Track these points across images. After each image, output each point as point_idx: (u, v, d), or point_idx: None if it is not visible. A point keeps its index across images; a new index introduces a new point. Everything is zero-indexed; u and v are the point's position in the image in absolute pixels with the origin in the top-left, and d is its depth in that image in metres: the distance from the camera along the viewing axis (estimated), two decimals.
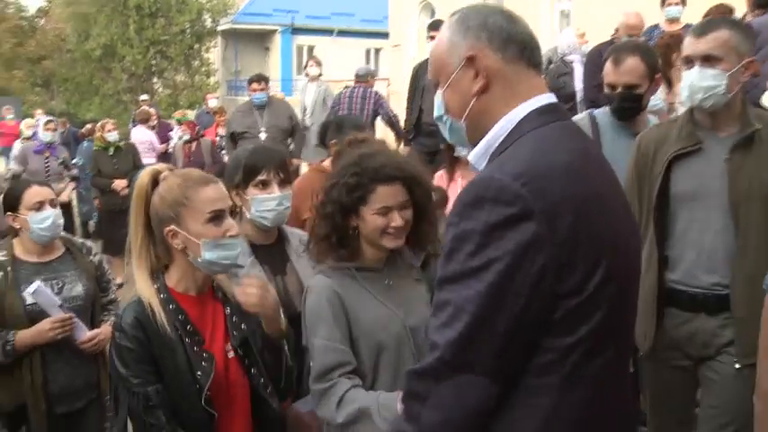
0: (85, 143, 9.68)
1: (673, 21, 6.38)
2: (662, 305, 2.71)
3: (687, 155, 2.64)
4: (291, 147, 8.10)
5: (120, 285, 7.02)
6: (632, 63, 3.11)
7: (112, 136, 8.05)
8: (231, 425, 2.16)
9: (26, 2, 31.69)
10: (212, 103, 12.48)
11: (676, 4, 6.41)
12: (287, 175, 2.56)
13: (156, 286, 2.13)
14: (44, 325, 3.02)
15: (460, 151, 3.26)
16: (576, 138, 1.57)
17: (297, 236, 2.70)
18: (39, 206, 3.14)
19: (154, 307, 2.07)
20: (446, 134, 1.67)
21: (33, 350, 3.06)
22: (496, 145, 1.52)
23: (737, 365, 2.59)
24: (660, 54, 4.42)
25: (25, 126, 11.23)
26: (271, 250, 2.60)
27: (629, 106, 3.16)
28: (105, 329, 3.18)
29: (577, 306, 1.36)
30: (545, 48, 8.92)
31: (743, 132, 2.59)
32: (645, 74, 3.11)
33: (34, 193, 3.17)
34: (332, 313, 2.23)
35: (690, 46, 2.62)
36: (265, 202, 2.49)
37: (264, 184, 2.50)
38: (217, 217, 2.09)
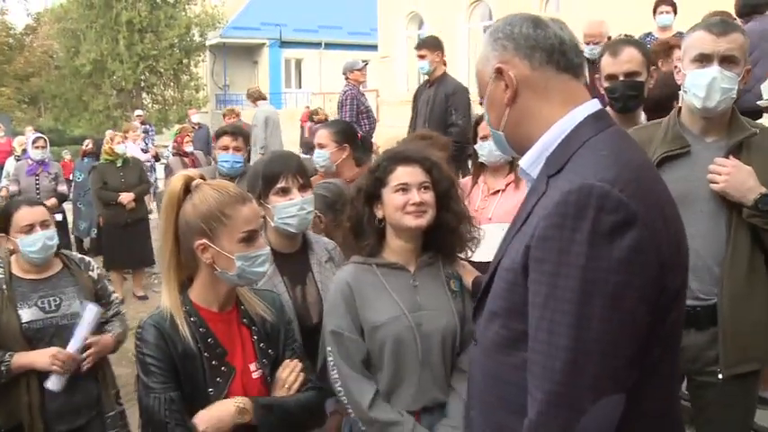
0: (86, 159, 9.62)
1: (665, 28, 6.53)
2: None
3: (674, 158, 2.59)
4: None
5: (121, 301, 6.99)
6: (630, 52, 3.18)
7: (121, 148, 7.92)
8: None
9: (14, 19, 31.65)
10: (195, 118, 12.50)
11: (667, 12, 6.57)
12: (306, 180, 2.60)
13: (180, 297, 2.13)
14: (45, 354, 2.97)
15: (485, 157, 3.39)
16: (634, 142, 1.59)
17: (322, 244, 2.73)
18: (29, 229, 3.12)
19: (176, 318, 2.07)
20: (496, 146, 1.72)
21: (30, 369, 3.00)
22: (552, 150, 1.51)
23: (720, 376, 2.53)
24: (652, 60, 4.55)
25: (18, 144, 11.23)
26: (293, 259, 2.63)
27: (633, 94, 3.18)
28: (104, 339, 3.18)
29: (665, 305, 1.37)
30: None
31: (734, 137, 2.54)
32: (643, 63, 3.18)
33: (23, 216, 3.15)
34: (344, 304, 2.37)
35: (709, 44, 2.50)
36: (287, 209, 2.53)
37: (285, 191, 2.54)
38: (250, 237, 2.09)
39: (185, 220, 2.08)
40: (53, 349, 2.99)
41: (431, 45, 6.51)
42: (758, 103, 4.24)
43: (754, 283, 2.50)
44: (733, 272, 2.50)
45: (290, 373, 2.21)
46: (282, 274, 2.58)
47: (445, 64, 6.68)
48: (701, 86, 2.48)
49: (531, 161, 1.56)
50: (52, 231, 3.20)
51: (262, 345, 2.21)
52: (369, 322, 2.38)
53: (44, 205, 3.39)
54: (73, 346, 3.02)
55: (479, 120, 3.76)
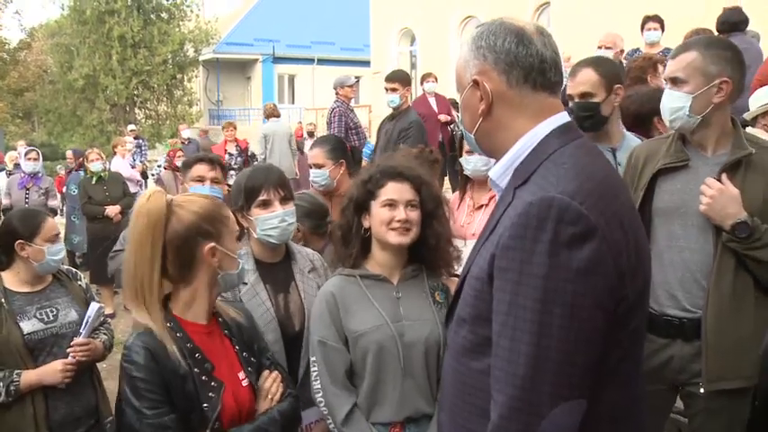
0: (80, 172, 9.67)
1: (653, 44, 6.63)
2: None
3: (673, 171, 2.64)
4: None
5: (111, 315, 7.05)
6: (585, 73, 3.24)
7: (95, 166, 8.07)
8: None
9: (7, 35, 31.74)
10: (185, 133, 12.54)
11: (655, 29, 6.67)
12: (287, 192, 2.63)
13: (162, 314, 2.10)
14: (55, 365, 3.05)
15: (470, 171, 3.44)
16: (599, 154, 1.63)
17: (305, 254, 2.77)
18: (55, 238, 3.23)
19: (163, 336, 2.03)
20: (466, 141, 1.78)
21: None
22: (519, 162, 1.56)
23: (702, 390, 2.55)
24: (635, 76, 4.61)
25: (9, 159, 11.24)
26: (276, 268, 2.66)
27: (585, 115, 3.23)
28: (95, 343, 3.21)
29: (624, 313, 1.41)
30: None
31: (734, 154, 2.54)
32: (598, 83, 3.20)
33: (52, 226, 3.25)
34: (328, 314, 2.42)
35: (667, 67, 2.68)
36: (268, 221, 2.56)
37: (266, 204, 2.57)
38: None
39: (184, 228, 2.06)
40: (58, 363, 3.05)
41: (404, 80, 6.52)
42: (744, 116, 4.30)
43: (740, 300, 2.52)
44: (718, 287, 2.52)
45: (273, 384, 2.23)
46: (266, 283, 2.61)
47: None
48: (662, 107, 2.66)
49: (500, 173, 1.61)
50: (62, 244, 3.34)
51: (244, 354, 2.23)
52: (352, 331, 2.41)
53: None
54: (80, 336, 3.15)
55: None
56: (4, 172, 10.55)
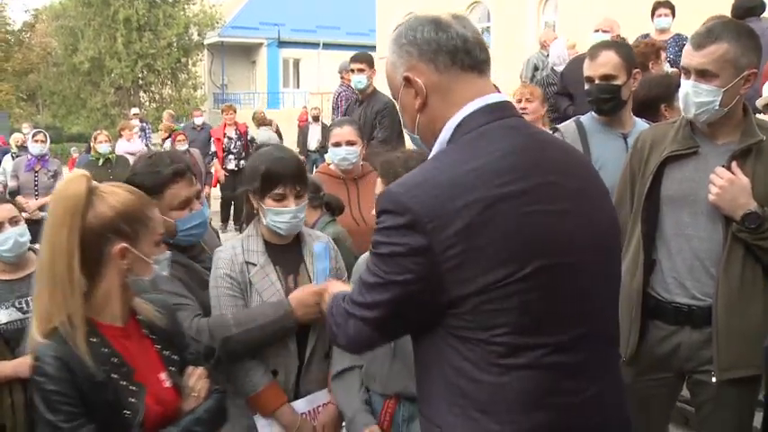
0: (89, 155, 9.69)
1: (663, 31, 6.59)
2: (645, 317, 2.64)
3: (681, 158, 2.58)
4: None
5: None
6: (606, 55, 3.21)
7: (103, 148, 8.08)
8: None
9: (11, 16, 31.63)
10: (198, 120, 12.52)
11: (665, 15, 6.62)
12: (303, 187, 2.60)
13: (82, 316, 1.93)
14: (27, 362, 2.93)
15: None
16: (511, 136, 1.55)
17: (314, 237, 2.76)
18: None
19: (78, 342, 1.87)
20: (412, 143, 1.78)
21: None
22: (443, 145, 1.60)
23: (714, 379, 2.51)
24: (638, 62, 4.59)
25: (14, 141, 11.24)
26: (285, 250, 2.65)
27: (606, 97, 3.21)
28: None
29: (486, 303, 1.43)
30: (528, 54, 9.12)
31: (744, 142, 2.49)
32: (620, 66, 3.19)
33: None
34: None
35: (686, 57, 2.51)
36: (280, 215, 2.54)
37: (281, 197, 2.54)
38: (160, 241, 2.05)
39: (98, 222, 1.90)
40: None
41: (370, 61, 6.33)
42: (756, 103, 4.27)
43: (750, 288, 2.50)
44: (728, 276, 2.49)
45: (197, 381, 2.15)
46: (275, 264, 2.61)
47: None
48: (681, 98, 2.54)
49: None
50: (23, 228, 3.10)
51: (166, 352, 2.12)
52: None
53: (11, 202, 3.25)
54: None
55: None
56: (9, 155, 10.52)
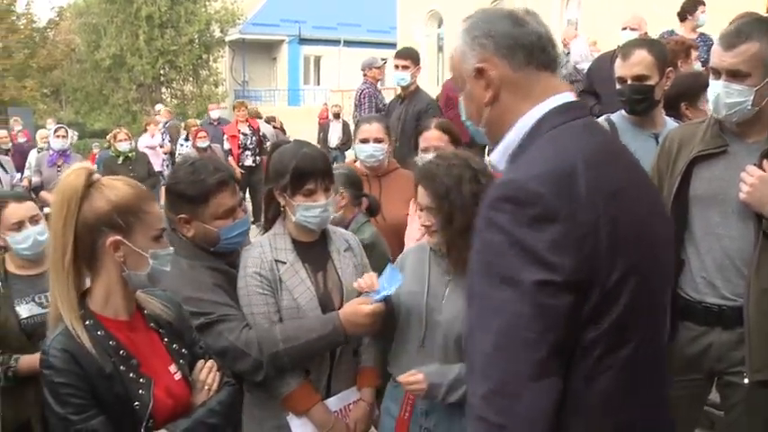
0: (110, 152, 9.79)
1: (696, 29, 6.47)
2: (675, 318, 2.62)
3: (710, 157, 2.57)
4: None
5: None
6: (640, 55, 3.17)
7: (123, 146, 8.17)
8: None
9: (37, 13, 32.00)
10: (214, 114, 12.58)
11: (703, 12, 6.48)
12: (331, 181, 2.63)
13: (81, 311, 1.94)
14: None
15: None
16: (594, 134, 1.56)
17: (340, 234, 2.77)
18: (17, 226, 3.04)
19: (81, 336, 1.89)
20: (473, 136, 1.73)
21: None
22: (515, 147, 1.54)
23: (746, 381, 2.49)
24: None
25: (39, 138, 11.35)
26: (313, 248, 2.66)
27: (639, 98, 3.18)
28: None
29: (600, 299, 1.36)
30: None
31: None
32: (653, 65, 3.15)
33: (11, 213, 3.04)
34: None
35: (716, 57, 2.49)
36: (311, 210, 2.56)
37: (311, 192, 2.55)
38: (161, 235, 2.02)
39: (93, 215, 1.91)
40: None
41: (415, 58, 6.21)
42: None
43: None
44: (759, 275, 2.46)
45: (209, 374, 2.15)
46: (304, 261, 2.61)
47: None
48: (710, 99, 2.52)
49: (498, 158, 1.59)
50: (42, 226, 3.10)
51: (174, 346, 2.13)
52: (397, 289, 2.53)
53: (33, 200, 3.23)
54: None
55: (422, 130, 3.86)
56: (34, 150, 10.63)
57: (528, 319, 1.32)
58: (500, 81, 1.54)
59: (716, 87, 2.48)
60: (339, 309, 2.57)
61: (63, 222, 1.89)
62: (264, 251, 2.59)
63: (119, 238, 1.93)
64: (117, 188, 1.95)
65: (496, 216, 1.37)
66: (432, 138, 3.72)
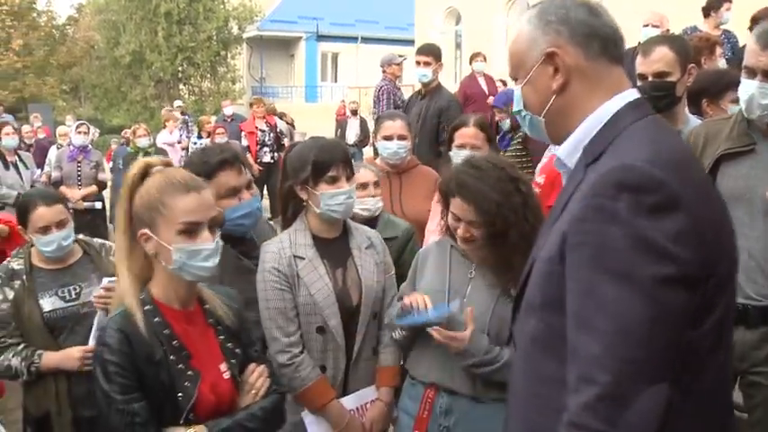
0: (127, 147, 9.87)
1: (720, 26, 6.40)
2: None
3: (737, 155, 2.55)
4: None
5: None
6: (660, 51, 3.13)
7: (142, 142, 8.22)
8: None
9: (57, 10, 32.27)
10: (228, 110, 12.60)
11: (728, 10, 6.40)
12: (351, 169, 2.64)
13: (141, 296, 2.00)
14: (73, 353, 2.97)
15: None
16: (673, 131, 1.52)
17: (362, 231, 2.77)
18: (44, 230, 3.05)
19: (138, 320, 1.94)
20: (526, 128, 1.65)
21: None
22: (589, 139, 1.46)
23: None
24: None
25: (59, 134, 11.44)
26: (334, 244, 2.67)
27: (660, 95, 3.13)
28: None
29: (709, 296, 1.29)
30: None
31: None
32: (675, 62, 3.11)
33: (39, 217, 3.04)
34: (413, 271, 2.68)
35: (752, 57, 2.46)
36: (336, 197, 2.56)
37: (334, 180, 2.56)
38: (190, 229, 1.96)
39: (134, 209, 1.99)
40: (76, 351, 2.98)
41: (437, 54, 6.15)
42: None
43: None
44: None
45: (258, 378, 2.15)
46: (323, 258, 2.62)
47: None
48: (743, 99, 2.47)
49: (569, 151, 1.50)
50: (68, 230, 3.12)
51: (229, 344, 2.13)
52: (418, 287, 2.55)
53: (61, 201, 3.25)
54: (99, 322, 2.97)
55: (458, 125, 3.76)
56: (54, 146, 10.71)
57: (645, 318, 1.21)
58: (572, 69, 1.48)
59: (750, 87, 2.44)
60: (357, 305, 2.59)
61: (123, 211, 2.00)
62: (284, 246, 2.59)
63: (145, 231, 1.96)
64: (151, 181, 1.99)
65: (609, 204, 1.25)
66: (468, 135, 3.66)
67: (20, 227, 3.15)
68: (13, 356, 2.97)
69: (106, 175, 9.02)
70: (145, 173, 2.01)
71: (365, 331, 2.63)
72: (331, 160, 2.57)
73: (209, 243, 1.98)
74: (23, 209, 3.12)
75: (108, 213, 9.59)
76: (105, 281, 2.93)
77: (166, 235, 1.95)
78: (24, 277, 3.07)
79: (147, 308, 1.98)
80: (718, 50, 5.02)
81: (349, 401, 2.60)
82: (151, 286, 2.04)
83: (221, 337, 2.12)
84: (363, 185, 3.20)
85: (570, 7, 1.50)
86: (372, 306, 2.65)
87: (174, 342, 1.99)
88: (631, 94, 1.48)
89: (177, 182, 1.98)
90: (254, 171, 10.71)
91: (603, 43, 1.48)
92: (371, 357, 2.68)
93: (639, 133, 1.39)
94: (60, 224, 3.09)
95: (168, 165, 2.11)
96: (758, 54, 2.42)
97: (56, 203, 3.15)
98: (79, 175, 8.34)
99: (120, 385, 1.89)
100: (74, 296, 3.10)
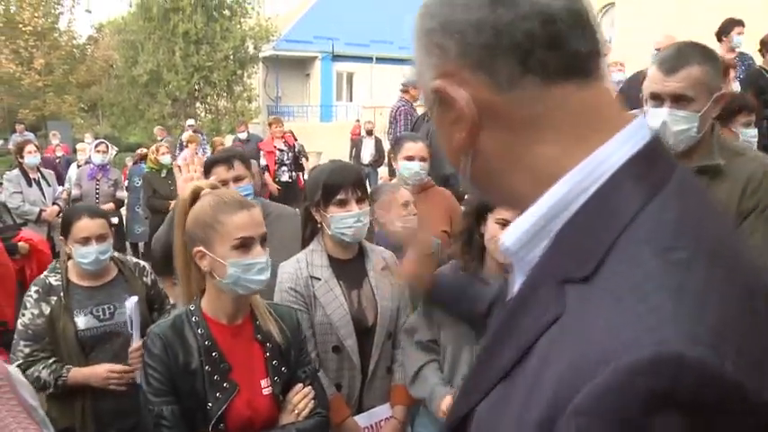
0: (142, 165, 9.97)
1: (733, 50, 6.46)
2: None
3: None
4: None
5: (173, 306, 7.20)
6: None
7: (165, 159, 8.31)
8: None
9: (77, 29, 32.68)
10: (242, 135, 12.63)
11: (740, 34, 6.46)
12: (364, 192, 2.67)
13: (191, 308, 2.14)
14: (101, 370, 3.03)
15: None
16: (707, 204, 0.82)
17: (378, 252, 2.81)
18: (84, 241, 3.13)
19: (183, 329, 2.09)
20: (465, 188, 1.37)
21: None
22: (566, 221, 0.80)
23: None
24: None
25: (79, 151, 11.59)
26: (349, 265, 2.71)
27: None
28: None
29: None
30: None
31: (701, 163, 2.36)
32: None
33: (82, 228, 3.13)
34: None
35: (657, 83, 2.36)
36: (344, 220, 2.61)
37: (343, 203, 2.61)
38: (244, 245, 2.06)
39: (187, 229, 2.11)
40: (105, 367, 3.04)
41: None
42: None
43: None
44: None
45: (302, 399, 2.19)
46: (339, 279, 2.66)
47: None
48: (653, 128, 2.34)
49: (523, 239, 0.84)
50: (107, 245, 3.20)
51: (274, 362, 2.18)
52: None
53: (106, 217, 3.35)
54: (133, 341, 3.03)
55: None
56: (75, 164, 10.86)
57: None
58: (478, 108, 0.82)
59: (660, 115, 2.34)
60: (372, 325, 2.63)
61: (180, 230, 2.14)
62: (300, 267, 2.64)
63: (200, 248, 2.08)
64: (202, 202, 2.11)
65: (654, 423, 0.62)
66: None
67: (61, 237, 3.24)
68: (43, 369, 3.01)
69: (123, 194, 9.13)
70: (196, 196, 2.14)
71: (380, 351, 2.66)
72: (341, 183, 2.61)
73: (261, 257, 2.09)
74: (68, 219, 3.22)
75: (125, 230, 9.71)
76: (132, 300, 2.99)
77: (221, 251, 2.05)
78: (61, 294, 3.11)
79: (193, 319, 2.11)
80: (732, 74, 5.06)
81: (363, 419, 2.63)
82: (202, 300, 2.16)
83: (267, 353, 2.17)
84: (405, 204, 3.28)
85: (455, 2, 0.83)
86: (387, 326, 2.69)
87: (214, 354, 2.08)
88: (631, 136, 0.81)
89: (230, 200, 2.10)
90: (273, 190, 10.85)
91: (522, 55, 0.80)
92: (386, 376, 2.71)
93: (670, 242, 0.72)
94: (100, 238, 3.17)
95: (214, 187, 2.22)
96: (663, 80, 2.34)
97: (100, 218, 3.24)
98: (97, 193, 8.49)
99: (154, 387, 2.03)
100: (107, 315, 3.16)
